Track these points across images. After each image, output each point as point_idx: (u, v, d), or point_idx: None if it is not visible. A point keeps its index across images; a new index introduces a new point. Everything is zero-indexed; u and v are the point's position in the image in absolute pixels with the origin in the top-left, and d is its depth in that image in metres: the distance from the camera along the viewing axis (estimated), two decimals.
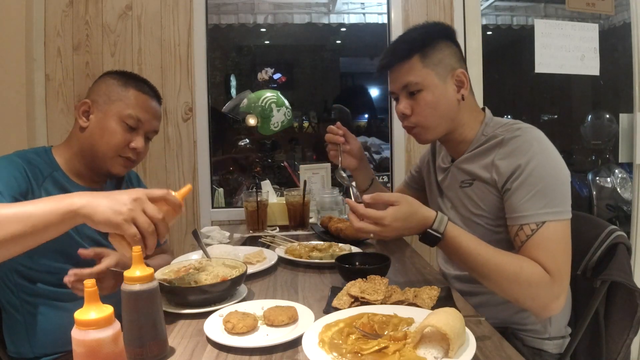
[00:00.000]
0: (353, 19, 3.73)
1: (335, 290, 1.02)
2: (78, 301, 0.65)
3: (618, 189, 2.93)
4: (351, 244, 1.42)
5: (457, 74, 1.20)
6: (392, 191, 1.78)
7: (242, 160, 3.31)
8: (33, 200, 0.88)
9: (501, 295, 1.03)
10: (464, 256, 1.01)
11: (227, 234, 1.66)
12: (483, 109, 1.28)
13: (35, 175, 1.11)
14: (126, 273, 0.76)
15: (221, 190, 2.49)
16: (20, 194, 1.04)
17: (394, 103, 1.33)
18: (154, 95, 1.28)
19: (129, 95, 1.20)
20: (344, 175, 1.52)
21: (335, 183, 2.11)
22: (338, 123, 1.52)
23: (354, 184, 1.53)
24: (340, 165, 1.50)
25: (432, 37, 1.20)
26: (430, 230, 1.00)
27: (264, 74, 3.27)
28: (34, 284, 1.11)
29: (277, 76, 3.44)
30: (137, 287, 0.75)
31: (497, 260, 1.00)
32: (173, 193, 0.90)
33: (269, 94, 2.21)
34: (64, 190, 1.14)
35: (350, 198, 2.38)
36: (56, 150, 1.21)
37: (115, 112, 1.18)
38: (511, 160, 1.08)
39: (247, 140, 3.45)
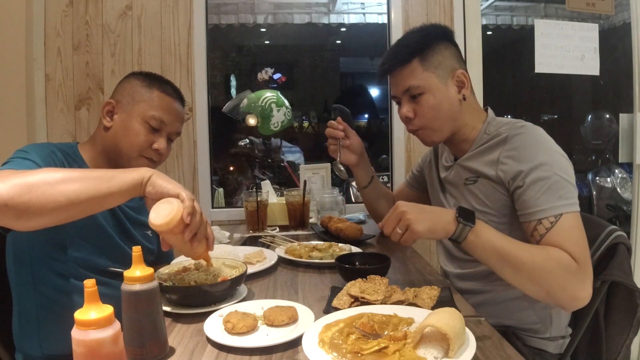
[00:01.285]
0: (353, 19, 3.73)
1: (335, 290, 1.02)
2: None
3: (618, 189, 2.93)
4: (351, 244, 1.42)
5: (457, 75, 1.21)
6: (392, 190, 1.78)
7: (243, 160, 3.32)
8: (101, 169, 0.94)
9: (531, 291, 1.00)
10: (493, 248, 1.00)
11: (227, 234, 1.66)
12: (486, 109, 1.29)
13: (69, 164, 1.14)
14: (126, 273, 0.76)
15: (221, 190, 2.49)
16: None
17: (394, 103, 1.33)
18: (178, 97, 1.29)
19: (153, 96, 1.22)
20: (342, 168, 1.53)
21: (335, 183, 2.11)
22: (339, 118, 1.54)
23: (353, 183, 1.55)
24: (338, 159, 1.51)
25: (430, 40, 1.21)
26: (459, 218, 1.01)
27: (264, 74, 3.27)
28: (66, 279, 1.11)
29: (277, 76, 3.44)
30: (137, 287, 0.75)
31: (525, 250, 0.99)
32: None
33: (269, 94, 2.21)
34: None
35: (351, 196, 2.38)
36: (82, 148, 1.23)
37: (139, 112, 1.20)
38: (518, 158, 1.09)
39: (247, 140, 3.45)
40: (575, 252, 0.97)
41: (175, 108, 1.26)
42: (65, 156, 1.14)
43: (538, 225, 1.03)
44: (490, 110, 1.28)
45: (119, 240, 1.21)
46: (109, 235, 1.19)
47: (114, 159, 1.21)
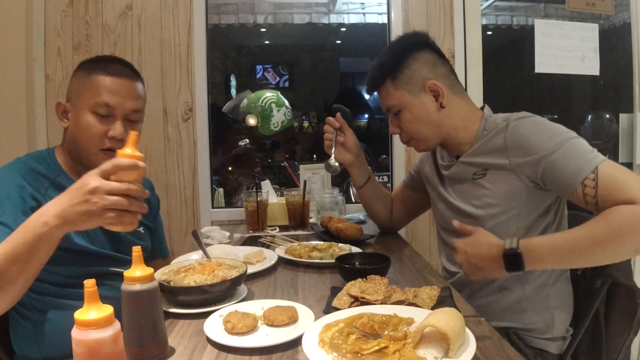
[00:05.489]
0: (353, 19, 3.73)
1: (335, 290, 1.02)
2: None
3: None
4: (351, 244, 1.42)
5: (429, 86, 1.24)
6: (391, 191, 1.78)
7: (243, 159, 3.32)
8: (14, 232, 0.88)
9: (622, 258, 0.98)
10: (560, 253, 0.98)
11: (227, 234, 1.66)
12: (482, 107, 1.29)
13: (37, 188, 1.08)
14: (126, 273, 0.76)
15: (221, 190, 2.49)
16: (31, 209, 1.00)
17: None
18: (124, 73, 1.15)
19: (94, 82, 1.12)
20: (336, 164, 1.51)
21: (335, 183, 2.11)
22: (338, 114, 1.55)
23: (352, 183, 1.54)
24: (333, 156, 1.51)
25: (399, 56, 1.26)
26: (507, 249, 1.00)
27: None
28: (42, 283, 1.08)
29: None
30: (137, 287, 0.75)
31: (588, 232, 0.96)
32: (127, 150, 0.85)
33: (269, 94, 2.21)
34: None
35: (351, 196, 2.38)
36: (57, 151, 1.19)
37: (85, 104, 1.12)
38: (526, 140, 1.10)
39: (247, 140, 3.45)
40: (630, 194, 0.94)
41: (121, 87, 1.13)
42: (33, 178, 1.09)
43: (585, 189, 1.00)
44: (487, 108, 1.28)
45: (110, 251, 1.18)
46: (95, 252, 1.15)
47: (78, 159, 1.16)
